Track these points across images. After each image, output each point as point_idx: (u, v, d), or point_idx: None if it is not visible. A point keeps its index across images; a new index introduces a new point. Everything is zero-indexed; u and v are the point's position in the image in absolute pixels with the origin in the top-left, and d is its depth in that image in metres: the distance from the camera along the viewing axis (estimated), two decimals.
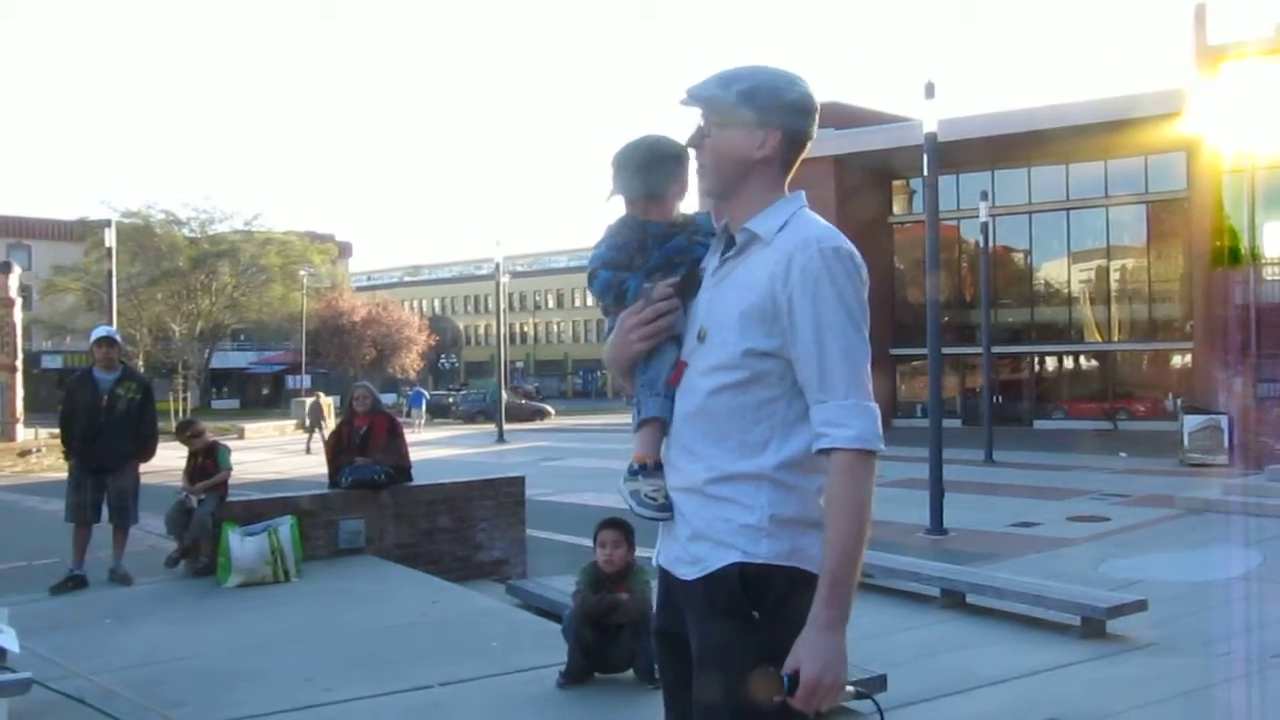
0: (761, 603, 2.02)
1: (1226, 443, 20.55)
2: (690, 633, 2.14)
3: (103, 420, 7.84)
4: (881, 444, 2.03)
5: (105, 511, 7.98)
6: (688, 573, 2.12)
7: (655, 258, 2.32)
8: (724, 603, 2.05)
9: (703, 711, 2.09)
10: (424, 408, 41.59)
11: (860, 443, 2.00)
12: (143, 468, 8.18)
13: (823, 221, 2.14)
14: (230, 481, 8.57)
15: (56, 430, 8.60)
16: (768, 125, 2.13)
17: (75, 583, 7.69)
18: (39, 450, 22.62)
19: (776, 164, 2.16)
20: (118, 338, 8.60)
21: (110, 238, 23.61)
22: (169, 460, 9.29)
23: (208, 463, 8.25)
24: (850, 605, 2.02)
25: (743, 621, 2.03)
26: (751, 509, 2.05)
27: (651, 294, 2.27)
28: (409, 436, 9.72)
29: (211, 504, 7.98)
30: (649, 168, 2.28)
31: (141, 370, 32.46)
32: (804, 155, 2.22)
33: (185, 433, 8.63)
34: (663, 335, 2.25)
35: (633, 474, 2.28)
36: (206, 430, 8.83)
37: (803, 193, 2.22)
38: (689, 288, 2.26)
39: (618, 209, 2.40)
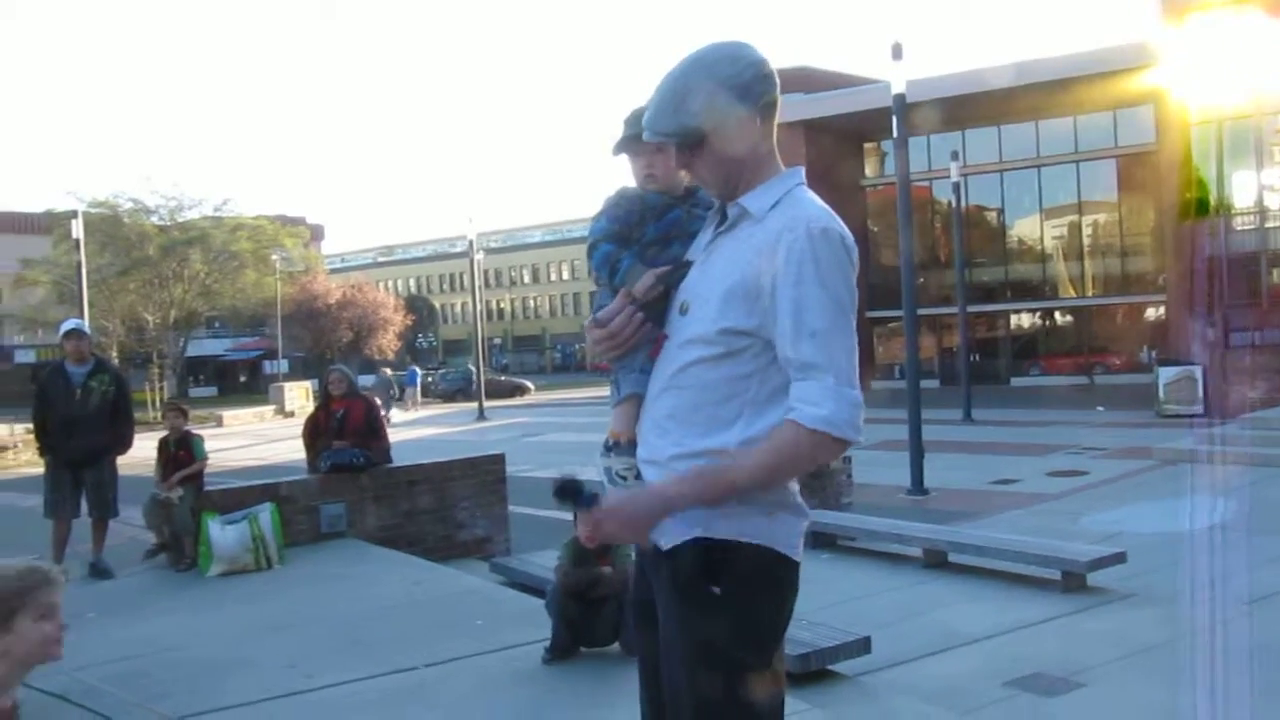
0: (721, 579, 2.02)
1: (1201, 393, 20.75)
2: (657, 604, 2.16)
3: (77, 414, 7.75)
4: (855, 434, 1.97)
5: (84, 506, 7.92)
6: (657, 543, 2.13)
7: (651, 231, 2.30)
8: (684, 577, 2.05)
9: (668, 683, 2.12)
10: (419, 386, 41.46)
11: (828, 425, 1.94)
12: (120, 460, 8.11)
13: (817, 202, 2.08)
14: (209, 470, 8.53)
15: (31, 426, 8.50)
16: (743, 117, 2.07)
17: None
18: (15, 446, 22.41)
19: (762, 141, 2.11)
20: (87, 330, 8.51)
21: (78, 229, 23.33)
22: (146, 451, 9.22)
23: (181, 453, 8.18)
24: (693, 503, 1.99)
25: (702, 597, 2.03)
26: None
27: (632, 287, 2.23)
28: (405, 415, 9.74)
29: (190, 497, 7.92)
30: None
31: (116, 361, 32.26)
32: (778, 107, 2.14)
33: (172, 407, 8.63)
34: (631, 351, 2.23)
35: (607, 450, 2.28)
36: (189, 416, 8.83)
37: (801, 169, 2.16)
38: (676, 280, 2.21)
39: (598, 191, 2.37)
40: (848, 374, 1.97)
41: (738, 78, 2.05)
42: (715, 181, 2.14)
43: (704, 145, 2.08)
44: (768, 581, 2.05)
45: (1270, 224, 23.35)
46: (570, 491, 2.06)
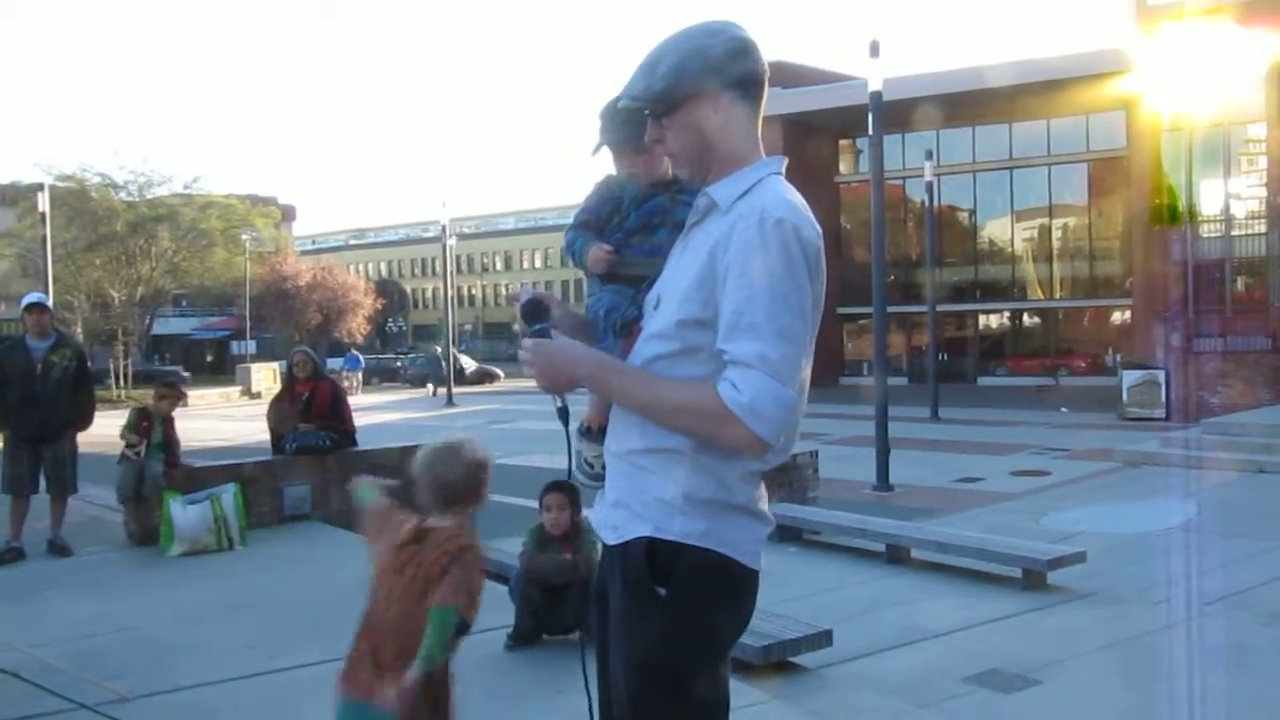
0: (668, 580, 1.97)
1: (1164, 397, 21.01)
2: (610, 598, 2.13)
3: (37, 388, 7.65)
4: (771, 433, 1.86)
5: (43, 482, 7.82)
6: (609, 537, 2.11)
7: (633, 219, 2.31)
8: (632, 575, 2.02)
9: (612, 677, 2.11)
10: (360, 371, 41.00)
11: (743, 413, 1.85)
12: (80, 436, 8.01)
13: (786, 192, 2.00)
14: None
15: None
16: (711, 91, 2.01)
17: (13, 555, 7.54)
18: None
19: (738, 120, 2.04)
20: (49, 304, 8.39)
21: (44, 202, 23.03)
22: (107, 428, 9.11)
23: (169, 430, 8.07)
24: (600, 391, 2.09)
25: (647, 596, 1.98)
26: (667, 484, 1.99)
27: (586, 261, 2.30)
28: (354, 399, 9.59)
29: (159, 464, 7.82)
30: (633, 117, 2.18)
31: (80, 337, 31.87)
32: (764, 93, 2.08)
33: (169, 388, 8.42)
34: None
35: (580, 434, 2.31)
36: (181, 397, 8.61)
37: (780, 159, 2.08)
38: (651, 275, 2.20)
39: (603, 165, 2.38)
40: (780, 370, 1.86)
41: (710, 49, 2.01)
42: (683, 157, 2.08)
43: (673, 115, 2.04)
44: (716, 587, 2.00)
45: (1236, 232, 23.62)
46: (533, 311, 2.08)
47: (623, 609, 2.05)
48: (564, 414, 2.14)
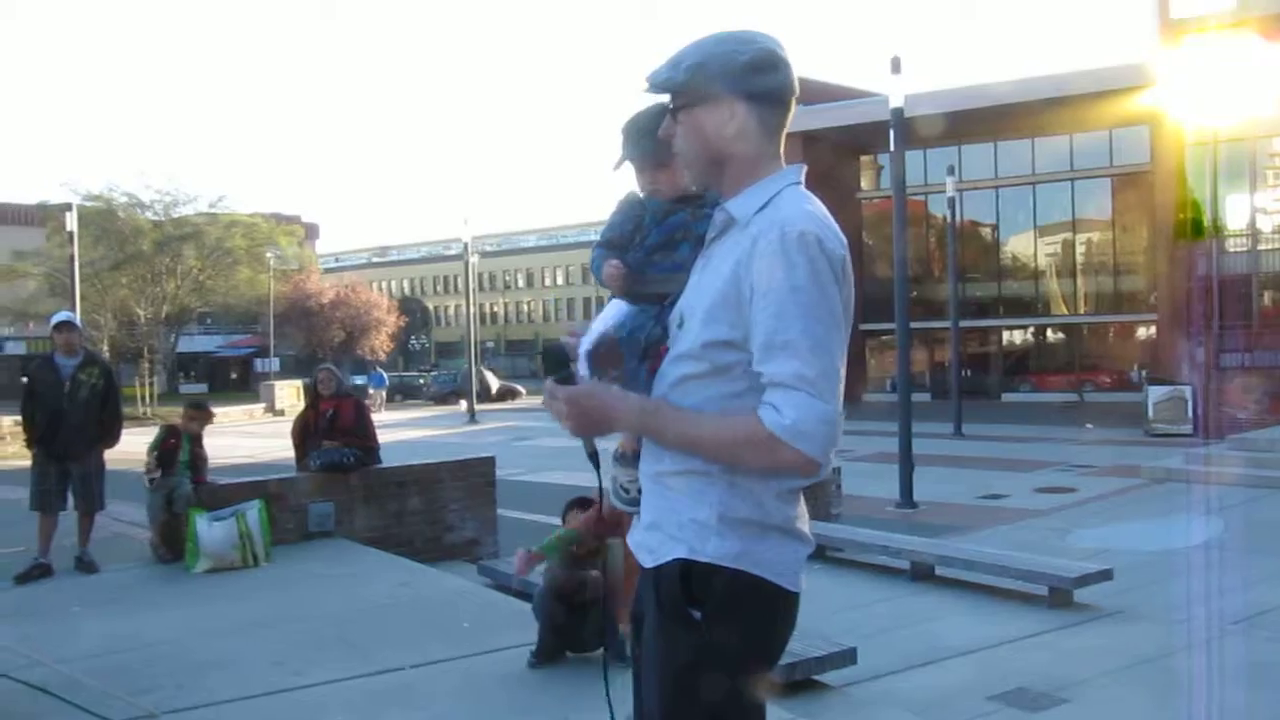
0: (703, 603, 1.93)
1: (1190, 413, 20.82)
2: (645, 619, 2.10)
3: (65, 406, 7.73)
4: (819, 451, 1.82)
5: (70, 498, 7.88)
6: (644, 560, 2.07)
7: (654, 235, 2.28)
8: (666, 598, 1.98)
9: (645, 700, 2.08)
10: (385, 389, 41.29)
11: (789, 435, 1.81)
12: (108, 453, 8.08)
13: (805, 203, 1.95)
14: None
15: (19, 417, 8.45)
16: (729, 97, 1.97)
17: (41, 571, 7.60)
18: (3, 438, 22.31)
19: (753, 134, 1.99)
20: (78, 322, 8.49)
21: (72, 221, 23.33)
22: (134, 445, 9.19)
23: (196, 448, 8.14)
24: (637, 431, 2.05)
25: (681, 620, 1.95)
26: (702, 505, 1.95)
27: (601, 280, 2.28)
28: (379, 416, 9.61)
29: (188, 484, 7.89)
30: (654, 132, 2.14)
31: (106, 355, 32.20)
32: (790, 112, 2.03)
33: (197, 409, 8.48)
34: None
35: (615, 459, 2.27)
36: (211, 418, 8.70)
37: (799, 167, 2.04)
38: (675, 292, 2.15)
39: (624, 182, 2.36)
40: (819, 386, 1.82)
41: (734, 56, 1.97)
42: (688, 157, 2.05)
43: (687, 112, 2.01)
44: (752, 610, 1.95)
45: (1262, 246, 23.47)
46: (554, 359, 2.00)
47: (656, 631, 2.01)
48: (595, 460, 2.11)
